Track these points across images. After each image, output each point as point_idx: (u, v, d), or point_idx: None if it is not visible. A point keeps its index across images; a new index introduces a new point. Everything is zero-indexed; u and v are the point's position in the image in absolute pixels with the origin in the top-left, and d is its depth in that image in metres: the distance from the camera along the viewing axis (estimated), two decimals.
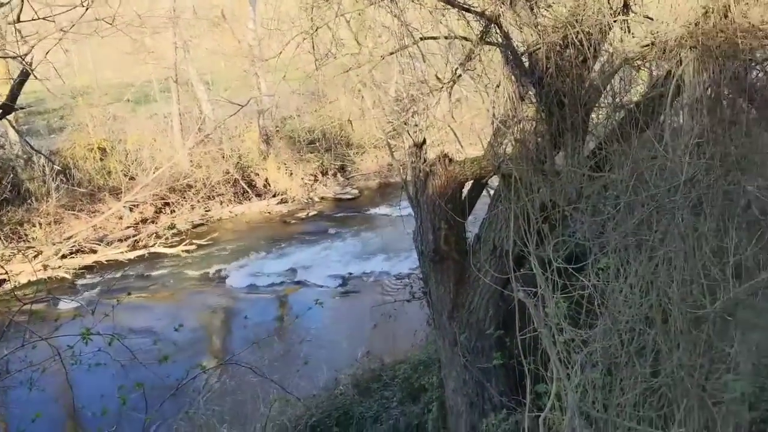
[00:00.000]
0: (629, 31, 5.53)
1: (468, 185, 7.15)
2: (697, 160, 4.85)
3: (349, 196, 27.61)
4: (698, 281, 5.20)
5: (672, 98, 5.14)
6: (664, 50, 5.14)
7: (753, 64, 5.33)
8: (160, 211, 24.43)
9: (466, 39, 5.85)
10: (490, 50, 5.94)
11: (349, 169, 29.65)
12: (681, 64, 5.04)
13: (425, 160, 6.77)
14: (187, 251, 21.60)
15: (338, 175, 29.19)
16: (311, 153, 29.14)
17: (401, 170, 7.47)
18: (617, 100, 5.85)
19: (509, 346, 6.64)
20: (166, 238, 22.09)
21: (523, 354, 5.45)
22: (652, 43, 5.24)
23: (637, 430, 5.44)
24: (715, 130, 4.93)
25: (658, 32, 5.19)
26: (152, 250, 21.49)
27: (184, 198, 25.10)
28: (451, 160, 6.69)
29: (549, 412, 5.08)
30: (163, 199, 24.71)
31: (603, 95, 5.86)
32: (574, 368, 5.08)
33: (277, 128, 29.66)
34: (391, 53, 6.07)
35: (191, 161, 26.31)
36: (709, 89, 5.05)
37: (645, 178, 5.16)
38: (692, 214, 5.20)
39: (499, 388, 6.85)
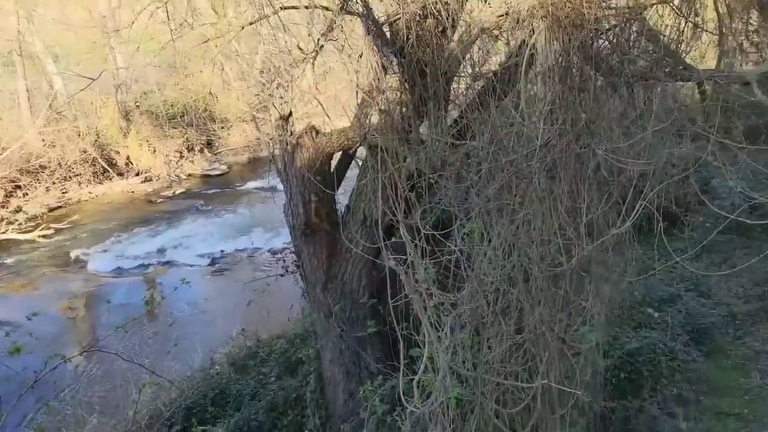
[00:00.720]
0: (486, 1, 5.69)
1: (337, 157, 7.16)
2: (551, 126, 5.10)
3: (218, 172, 26.92)
4: (555, 241, 5.51)
5: (527, 67, 5.35)
6: (518, 20, 5.34)
7: (598, 33, 5.64)
8: (11, 195, 22.71)
9: (327, 9, 5.81)
10: (351, 20, 5.93)
11: (216, 144, 28.85)
12: (534, 33, 5.26)
13: (292, 133, 6.71)
14: (45, 236, 20.28)
15: (205, 150, 28.32)
16: (175, 128, 28.04)
17: (269, 144, 7.35)
18: (476, 69, 6.02)
19: (383, 313, 6.76)
20: (20, 224, 20.62)
21: (396, 320, 5.57)
22: (507, 13, 5.42)
23: (504, 384, 5.74)
24: (566, 97, 5.20)
25: (512, 2, 5.37)
26: (4, 236, 20.00)
27: (38, 180, 23.47)
28: (318, 132, 6.66)
29: (422, 374, 5.26)
30: (14, 181, 22.98)
31: (463, 65, 6.01)
32: (444, 330, 5.26)
33: (137, 103, 28.25)
34: (251, 23, 5.93)
35: (43, 140, 24.57)
36: (560, 58, 5.30)
37: (504, 144, 5.37)
38: (548, 177, 5.49)
39: (375, 355, 6.98)
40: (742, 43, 6.38)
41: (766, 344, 9.72)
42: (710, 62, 6.77)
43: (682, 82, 6.45)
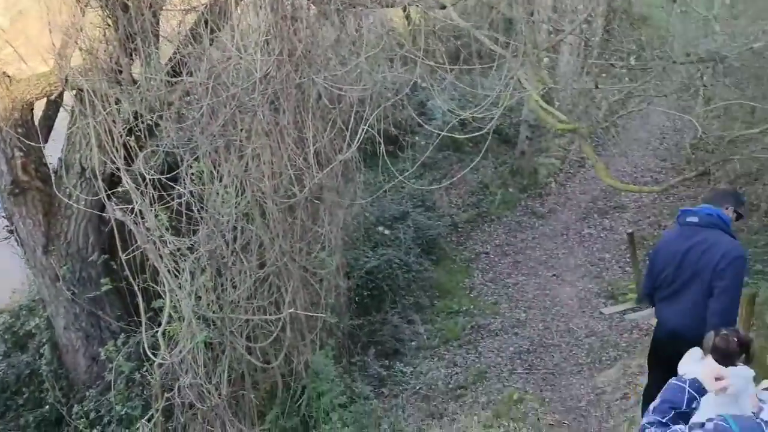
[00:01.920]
0: None
1: (42, 106, 6.43)
2: (268, 57, 5.04)
3: None
4: (286, 172, 5.55)
5: None
6: None
7: None
8: None
9: None
10: None
11: None
12: None
13: None
14: None
15: None
16: None
17: None
18: (186, 2, 5.72)
19: (117, 269, 6.35)
20: None
21: (132, 275, 5.27)
22: None
23: (253, 320, 5.78)
24: (280, 27, 5.15)
25: None
26: None
27: None
28: (12, 79, 5.88)
29: (167, 325, 5.08)
30: None
31: None
32: (185, 277, 5.09)
33: None
34: None
35: None
36: None
37: (223, 79, 5.21)
38: (272, 109, 5.46)
39: (115, 314, 6.57)
40: None
41: (484, 246, 10.94)
42: None
43: (388, 8, 6.75)
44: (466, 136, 7.44)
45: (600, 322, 8.40)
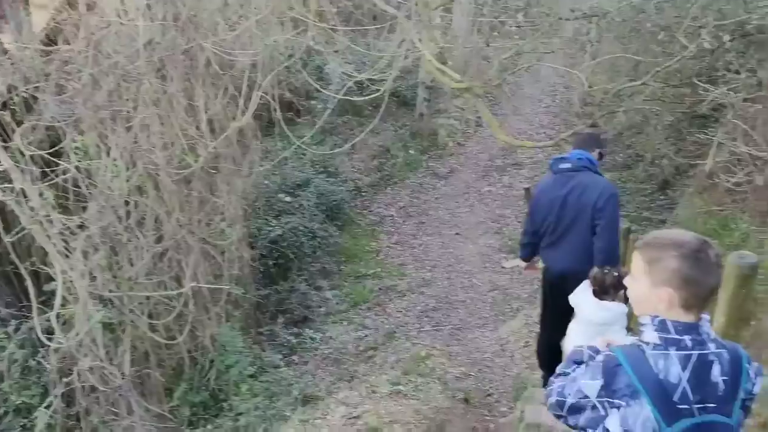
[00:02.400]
0: None
1: None
2: (151, 23, 4.83)
3: None
4: (178, 142, 5.38)
5: None
6: None
7: None
8: None
9: None
10: None
11: None
12: None
13: None
14: None
15: None
16: None
17: None
18: None
19: (2, 252, 6.01)
20: None
21: (19, 258, 5.00)
22: None
23: (153, 296, 5.62)
24: None
25: None
26: None
27: None
28: None
29: (60, 307, 4.86)
30: None
31: None
32: (76, 256, 4.88)
33: None
34: None
35: None
36: None
37: (105, 47, 4.96)
38: (159, 77, 5.25)
39: (4, 300, 6.23)
40: None
41: (388, 209, 11.03)
42: None
43: None
44: (363, 98, 7.41)
45: (502, 276, 8.67)
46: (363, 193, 11.28)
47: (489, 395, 5.83)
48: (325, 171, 10.86)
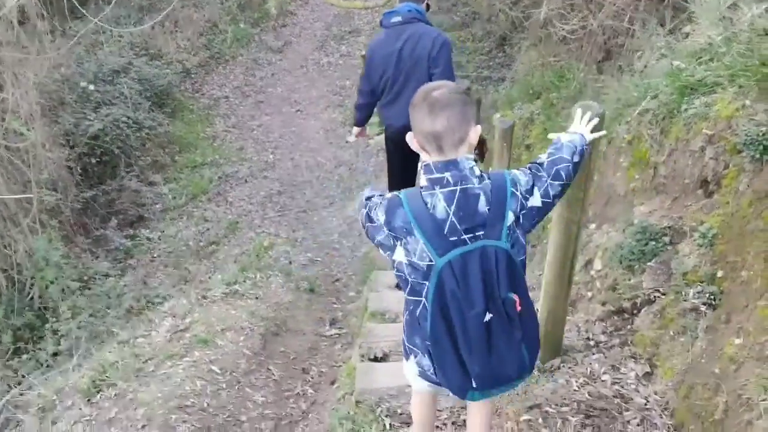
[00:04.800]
0: None
1: None
2: None
3: None
4: None
5: None
6: None
7: None
8: None
9: None
10: None
11: None
12: None
13: None
14: None
15: None
16: None
17: None
18: None
19: None
20: None
21: None
22: None
23: None
24: None
25: None
26: None
27: None
28: None
29: None
30: None
31: None
32: None
33: None
34: None
35: None
36: None
37: None
38: None
39: None
40: None
41: (222, 90, 10.25)
42: None
43: None
44: None
45: (347, 151, 8.36)
46: (192, 75, 10.37)
47: (337, 281, 5.61)
48: (147, 53, 9.82)
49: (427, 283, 1.81)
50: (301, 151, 8.59)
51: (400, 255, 1.85)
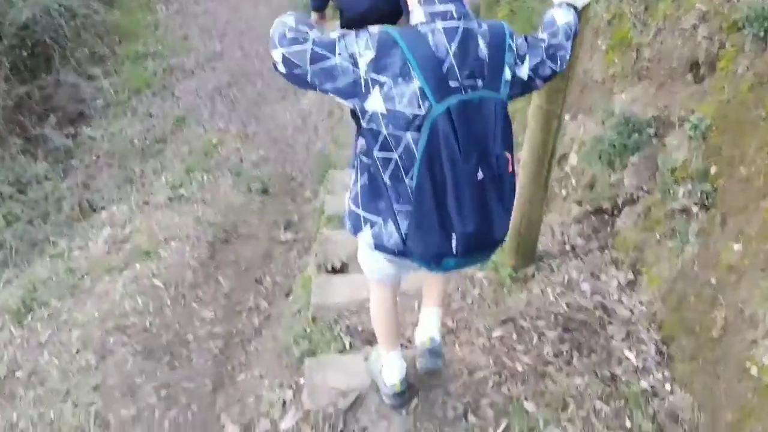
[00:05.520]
0: None
1: None
2: None
3: None
4: None
5: None
6: None
7: None
8: None
9: None
10: None
11: None
12: None
13: None
14: None
15: None
16: None
17: None
18: None
19: None
20: None
21: None
22: None
23: None
24: None
25: None
26: None
27: None
28: None
29: None
30: None
31: None
32: None
33: None
34: None
35: None
36: None
37: None
38: None
39: None
40: None
41: None
42: None
43: None
44: None
45: None
46: None
47: (291, 179, 5.21)
48: None
49: (406, 134, 1.61)
50: (251, 40, 7.97)
51: (375, 103, 1.61)
